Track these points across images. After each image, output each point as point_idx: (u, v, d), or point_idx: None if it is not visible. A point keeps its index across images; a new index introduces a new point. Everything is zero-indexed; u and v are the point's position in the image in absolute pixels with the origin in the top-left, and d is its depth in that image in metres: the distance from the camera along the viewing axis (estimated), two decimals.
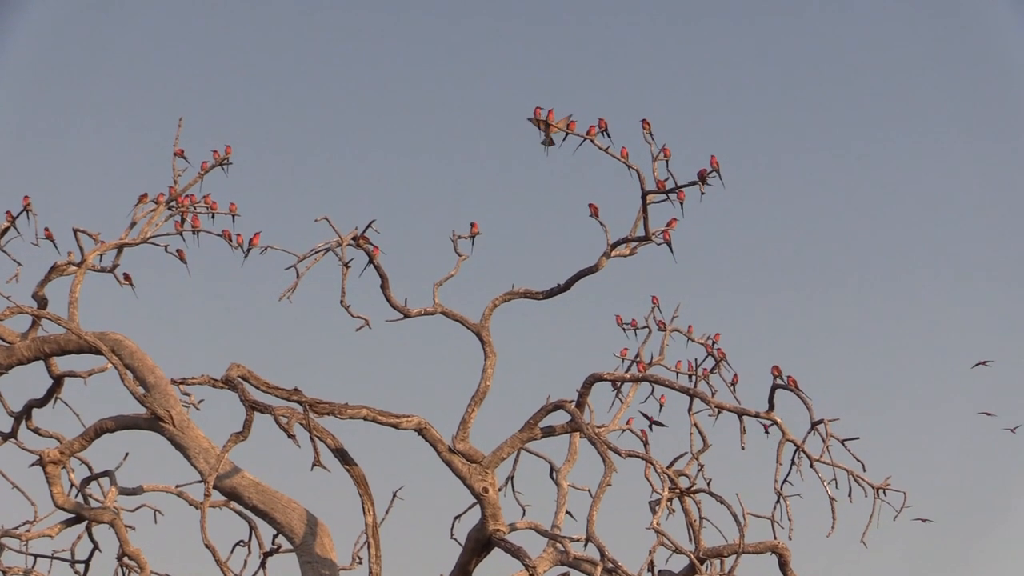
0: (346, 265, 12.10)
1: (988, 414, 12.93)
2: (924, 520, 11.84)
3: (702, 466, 12.84)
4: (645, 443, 12.49)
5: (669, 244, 11.69)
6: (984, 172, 24.81)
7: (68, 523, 12.69)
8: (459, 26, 28.71)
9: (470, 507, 12.85)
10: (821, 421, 11.44)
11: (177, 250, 13.14)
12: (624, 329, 13.60)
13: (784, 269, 26.57)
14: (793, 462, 11.49)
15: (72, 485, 12.88)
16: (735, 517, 11.27)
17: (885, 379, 24.56)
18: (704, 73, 28.40)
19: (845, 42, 27.70)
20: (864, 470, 11.65)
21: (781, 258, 26.65)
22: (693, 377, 13.31)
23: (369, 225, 12.07)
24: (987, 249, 24.67)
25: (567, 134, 11.34)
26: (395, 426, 11.34)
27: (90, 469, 13.18)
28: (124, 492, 13.04)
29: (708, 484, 12.15)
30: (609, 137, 11.32)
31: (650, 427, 12.75)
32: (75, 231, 12.90)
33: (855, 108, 28.00)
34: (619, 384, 13.02)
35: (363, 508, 11.43)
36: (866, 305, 26.21)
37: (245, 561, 13.74)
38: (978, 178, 24.84)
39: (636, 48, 28.14)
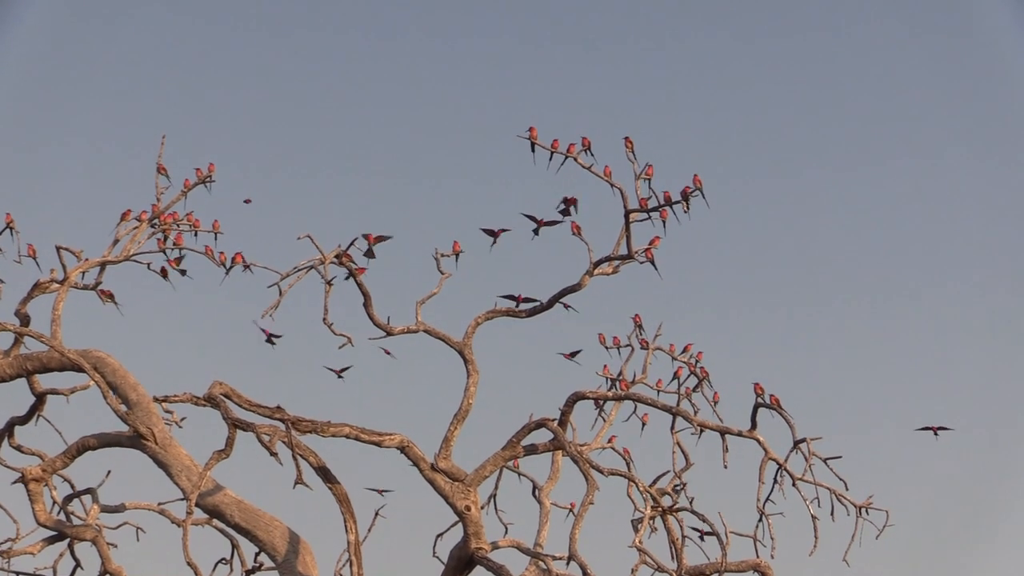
0: (329, 283, 12.09)
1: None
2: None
3: (684, 484, 12.85)
4: (628, 462, 12.50)
5: (652, 262, 11.70)
6: (978, 188, 24.84)
7: (50, 541, 12.67)
8: (442, 45, 28.75)
9: (452, 525, 12.85)
10: (804, 440, 11.43)
11: (162, 267, 13.12)
12: (607, 348, 13.61)
13: (768, 287, 26.59)
14: (776, 481, 11.49)
15: (54, 503, 12.84)
16: (717, 536, 11.28)
17: (869, 397, 24.56)
18: (693, 85, 28.43)
19: (838, 53, 27.74)
20: (847, 489, 11.65)
21: (765, 276, 26.66)
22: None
23: (352, 243, 12.07)
24: (979, 266, 24.69)
25: (552, 152, 11.37)
26: (377, 444, 11.33)
27: (72, 487, 13.16)
28: (106, 510, 13.02)
29: (691, 502, 12.17)
30: (592, 155, 11.35)
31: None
32: (58, 248, 12.88)
33: (843, 123, 28.01)
34: (602, 402, 13.05)
35: (345, 526, 11.40)
36: (850, 323, 26.22)
37: None
38: (970, 194, 24.87)
39: (620, 64, 28.19)
